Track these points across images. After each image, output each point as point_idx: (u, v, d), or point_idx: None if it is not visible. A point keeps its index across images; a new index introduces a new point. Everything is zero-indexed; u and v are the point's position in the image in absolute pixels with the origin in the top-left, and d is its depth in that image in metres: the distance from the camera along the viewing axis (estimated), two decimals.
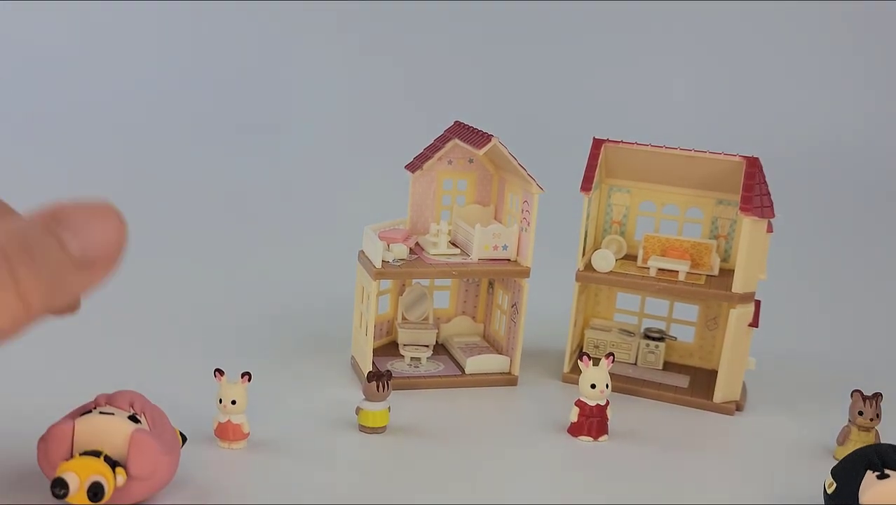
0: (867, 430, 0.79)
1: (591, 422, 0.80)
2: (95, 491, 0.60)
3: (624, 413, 0.85)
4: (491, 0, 1.89)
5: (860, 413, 0.78)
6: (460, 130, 0.93)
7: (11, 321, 0.41)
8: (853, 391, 0.80)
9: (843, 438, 0.80)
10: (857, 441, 0.78)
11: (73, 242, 0.43)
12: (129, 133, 1.70)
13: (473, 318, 1.00)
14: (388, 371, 0.78)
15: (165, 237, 1.32)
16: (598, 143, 0.92)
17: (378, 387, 0.77)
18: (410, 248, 0.90)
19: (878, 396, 0.79)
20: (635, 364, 0.97)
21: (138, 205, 1.47)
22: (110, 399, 0.68)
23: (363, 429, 0.78)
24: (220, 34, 1.83)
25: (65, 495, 0.59)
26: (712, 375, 0.92)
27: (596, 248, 0.96)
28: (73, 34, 1.78)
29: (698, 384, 0.93)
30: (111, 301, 1.06)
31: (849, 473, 0.66)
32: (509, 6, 1.89)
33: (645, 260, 0.93)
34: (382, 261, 0.86)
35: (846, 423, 0.80)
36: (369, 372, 0.78)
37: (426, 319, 0.96)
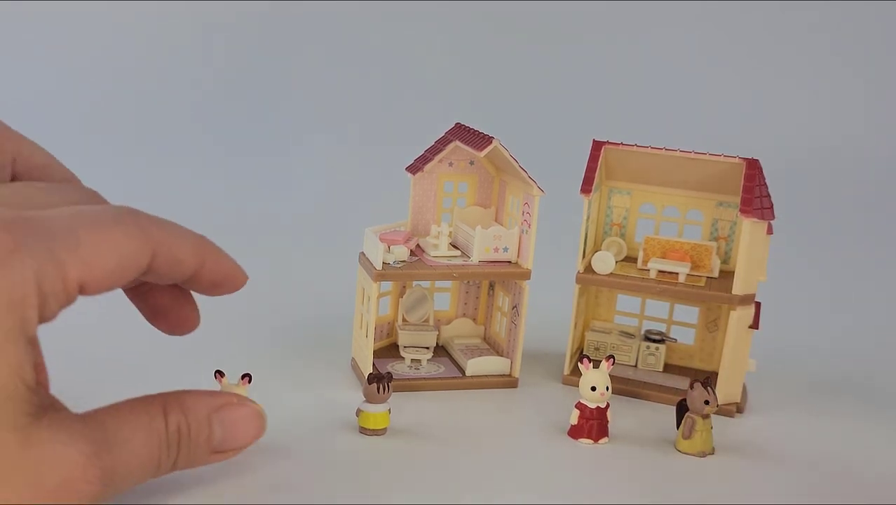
0: (707, 417, 0.78)
1: (592, 424, 0.80)
2: None
3: (624, 415, 0.85)
4: (492, 0, 1.89)
5: (706, 403, 0.78)
6: (461, 132, 0.93)
7: (145, 477, 0.59)
8: (693, 381, 0.78)
9: (689, 431, 0.79)
10: (704, 430, 0.78)
11: (219, 435, 0.62)
12: (127, 132, 1.70)
13: (474, 320, 1.00)
14: (389, 373, 0.78)
15: None
16: (598, 145, 0.92)
17: (379, 389, 0.77)
18: (411, 250, 0.90)
19: (710, 380, 0.79)
20: (636, 366, 0.97)
21: (140, 204, 1.47)
22: None
23: (364, 431, 0.78)
24: (217, 32, 1.83)
25: None
26: (713, 377, 0.92)
27: (596, 250, 0.96)
28: (67, 35, 1.79)
29: None
30: (113, 301, 1.07)
31: None
32: (510, 6, 1.89)
33: (645, 262, 0.94)
34: (383, 262, 0.86)
35: (686, 415, 0.79)
36: (370, 374, 0.78)
37: (426, 320, 0.96)
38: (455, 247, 0.93)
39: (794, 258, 1.37)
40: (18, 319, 0.51)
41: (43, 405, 0.54)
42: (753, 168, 0.86)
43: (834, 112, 1.86)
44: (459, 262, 0.90)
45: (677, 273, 0.90)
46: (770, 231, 0.87)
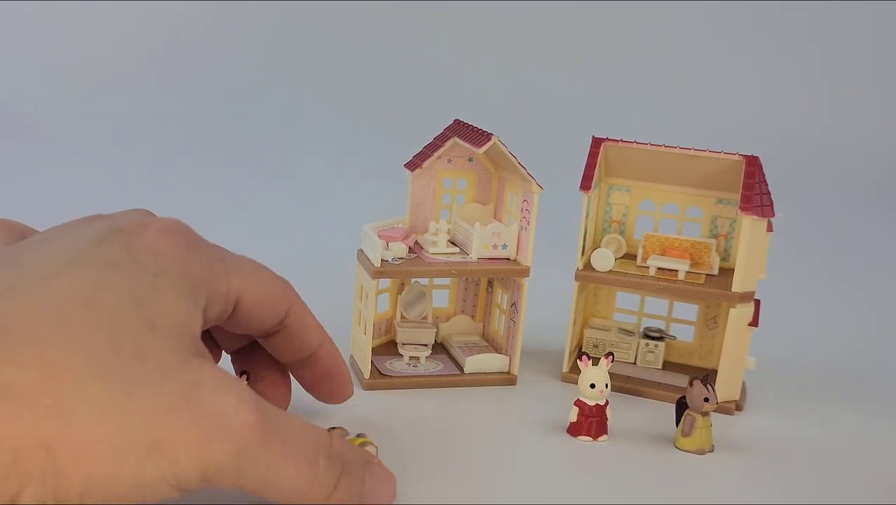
0: (706, 414, 0.78)
1: (591, 422, 0.79)
2: None
3: (623, 413, 0.85)
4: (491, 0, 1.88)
5: (706, 400, 0.77)
6: (460, 129, 0.93)
7: (299, 476, 0.55)
8: (692, 379, 0.78)
9: (688, 429, 0.78)
10: (703, 428, 0.78)
11: (368, 484, 0.61)
12: (124, 129, 1.69)
13: (473, 317, 1.00)
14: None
15: None
16: (597, 142, 0.92)
17: None
18: (409, 247, 0.90)
19: (710, 377, 0.78)
20: (635, 364, 0.97)
21: (142, 200, 1.47)
22: None
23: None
24: (215, 30, 1.83)
25: None
26: (712, 374, 0.92)
27: (595, 247, 0.96)
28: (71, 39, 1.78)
29: None
30: None
31: None
32: (509, 5, 1.89)
33: (644, 259, 0.93)
34: (381, 260, 0.86)
35: (687, 413, 0.79)
36: None
37: (425, 318, 0.95)
38: (454, 244, 0.93)
39: (794, 256, 1.37)
40: (190, 286, 0.56)
41: (207, 358, 0.56)
42: (753, 165, 0.86)
43: (834, 109, 1.86)
44: (458, 259, 0.90)
45: (677, 270, 0.90)
46: (770, 228, 0.86)
